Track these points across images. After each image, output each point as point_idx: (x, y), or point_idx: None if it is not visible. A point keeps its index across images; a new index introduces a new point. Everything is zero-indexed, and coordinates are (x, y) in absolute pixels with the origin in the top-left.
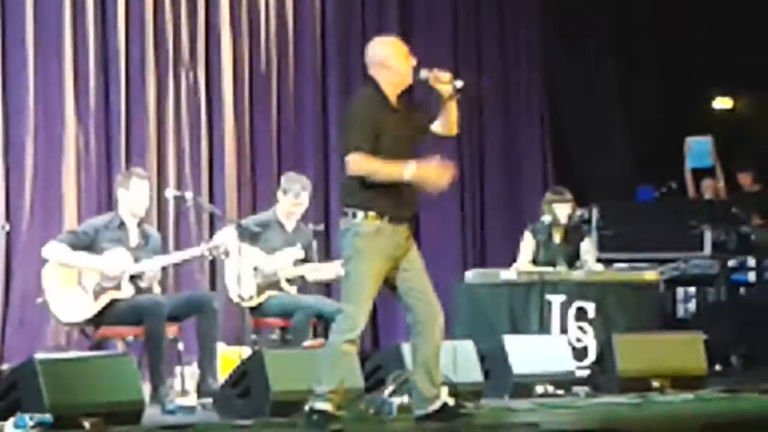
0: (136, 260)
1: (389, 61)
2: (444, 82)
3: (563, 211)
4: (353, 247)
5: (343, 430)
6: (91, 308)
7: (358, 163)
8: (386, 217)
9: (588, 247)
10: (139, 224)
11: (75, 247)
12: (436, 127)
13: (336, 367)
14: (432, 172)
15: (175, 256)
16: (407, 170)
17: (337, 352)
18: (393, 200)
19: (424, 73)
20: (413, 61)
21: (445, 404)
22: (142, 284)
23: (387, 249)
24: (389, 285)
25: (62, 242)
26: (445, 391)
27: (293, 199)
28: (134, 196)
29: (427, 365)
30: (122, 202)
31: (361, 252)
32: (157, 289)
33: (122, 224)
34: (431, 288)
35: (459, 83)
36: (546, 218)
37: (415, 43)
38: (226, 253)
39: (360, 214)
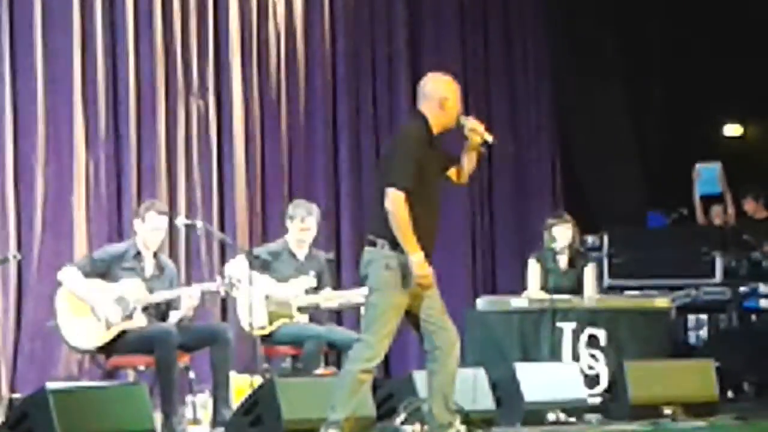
0: (151, 291)
1: (448, 103)
2: (478, 132)
3: (563, 232)
4: (381, 279)
5: None
6: (102, 337)
7: (397, 205)
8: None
9: (589, 275)
10: (155, 254)
11: (89, 273)
12: (450, 172)
13: (351, 395)
14: (424, 276)
15: (186, 290)
16: (416, 255)
17: (354, 380)
18: (421, 235)
19: (462, 119)
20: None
21: None
22: (180, 312)
23: (412, 283)
24: (406, 313)
25: (77, 267)
26: (457, 419)
27: (300, 223)
28: (148, 229)
29: (444, 391)
30: (138, 233)
31: (389, 285)
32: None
33: (138, 254)
34: (447, 315)
35: (490, 138)
36: (547, 243)
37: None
38: (238, 284)
39: (389, 246)
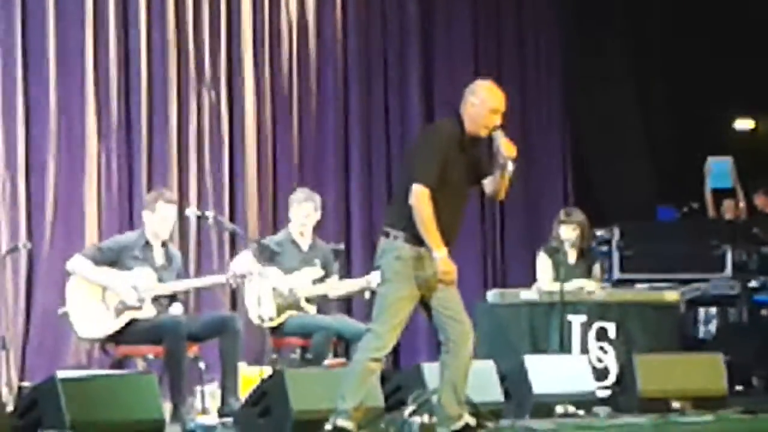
0: (160, 280)
1: (488, 114)
2: (503, 153)
3: (568, 232)
4: (392, 270)
5: None
6: (111, 325)
7: (421, 200)
8: (425, 246)
9: (596, 275)
10: (164, 244)
11: (98, 262)
12: (486, 184)
13: (360, 385)
14: (447, 272)
15: (197, 282)
16: (440, 251)
17: (363, 369)
18: (438, 230)
19: (495, 134)
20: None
21: (467, 425)
22: (179, 307)
23: (425, 275)
24: (422, 304)
25: (86, 257)
26: (466, 411)
27: (297, 207)
28: (158, 219)
29: (455, 383)
30: (147, 224)
31: (400, 275)
32: (178, 310)
33: (147, 244)
34: (463, 308)
35: (511, 168)
36: (555, 238)
37: (436, 67)
38: (249, 277)
39: (402, 237)
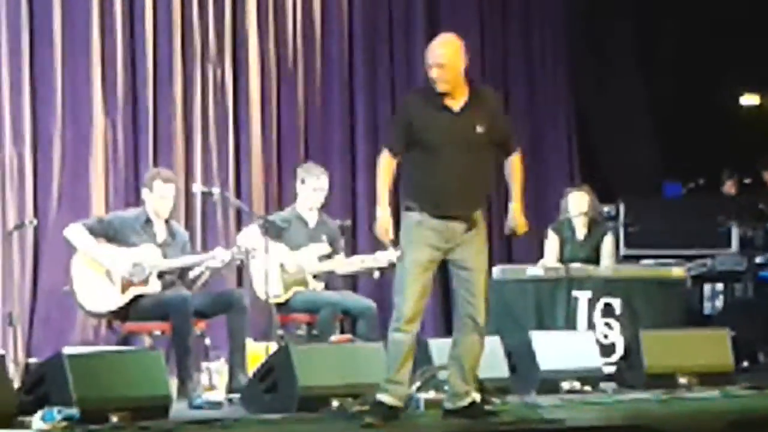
0: (164, 257)
1: (429, 70)
2: (515, 230)
3: (576, 200)
4: (406, 239)
5: (372, 424)
6: (116, 301)
7: (378, 163)
8: (425, 212)
9: (608, 246)
10: (167, 221)
11: (96, 233)
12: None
13: (390, 357)
14: (379, 229)
15: (200, 258)
16: (379, 210)
17: (390, 341)
18: (430, 196)
19: (513, 207)
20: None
21: (473, 402)
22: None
23: (430, 240)
24: (445, 268)
25: (84, 226)
26: (474, 389)
27: (315, 182)
28: (157, 198)
29: (461, 361)
30: (147, 202)
31: (412, 242)
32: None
33: (149, 220)
34: (483, 291)
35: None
36: (562, 212)
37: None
38: (253, 252)
39: (416, 207)
